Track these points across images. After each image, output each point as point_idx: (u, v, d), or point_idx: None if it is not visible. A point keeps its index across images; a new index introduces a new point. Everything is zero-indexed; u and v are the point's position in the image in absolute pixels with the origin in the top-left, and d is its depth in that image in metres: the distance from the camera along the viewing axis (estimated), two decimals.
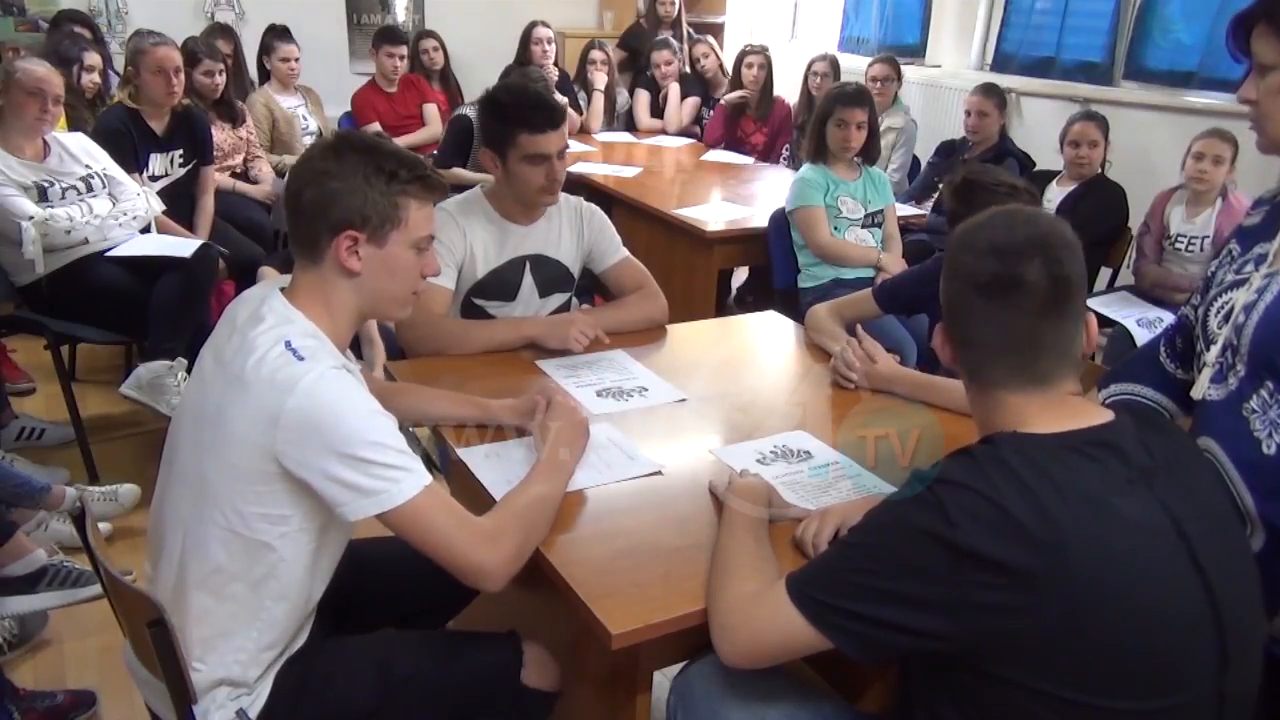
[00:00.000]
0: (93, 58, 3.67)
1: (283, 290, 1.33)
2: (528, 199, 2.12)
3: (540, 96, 2.11)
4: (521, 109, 2.05)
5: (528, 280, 2.20)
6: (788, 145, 4.80)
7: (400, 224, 1.31)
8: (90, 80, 3.67)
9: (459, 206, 2.15)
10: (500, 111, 2.08)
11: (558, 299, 2.28)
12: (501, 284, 2.18)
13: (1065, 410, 1.08)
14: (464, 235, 2.11)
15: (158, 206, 3.13)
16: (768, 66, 4.77)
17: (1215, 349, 1.32)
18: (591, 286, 2.40)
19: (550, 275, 2.23)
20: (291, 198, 1.31)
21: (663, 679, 1.39)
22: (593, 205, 2.30)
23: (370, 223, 1.29)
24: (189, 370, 2.77)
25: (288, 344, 1.22)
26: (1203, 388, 1.33)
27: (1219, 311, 1.34)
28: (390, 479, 1.20)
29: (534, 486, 1.37)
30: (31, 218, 2.69)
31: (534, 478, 1.39)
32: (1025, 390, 1.08)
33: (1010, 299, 1.06)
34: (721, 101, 4.94)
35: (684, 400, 1.86)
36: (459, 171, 4.03)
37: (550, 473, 1.41)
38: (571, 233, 2.25)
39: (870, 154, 3.28)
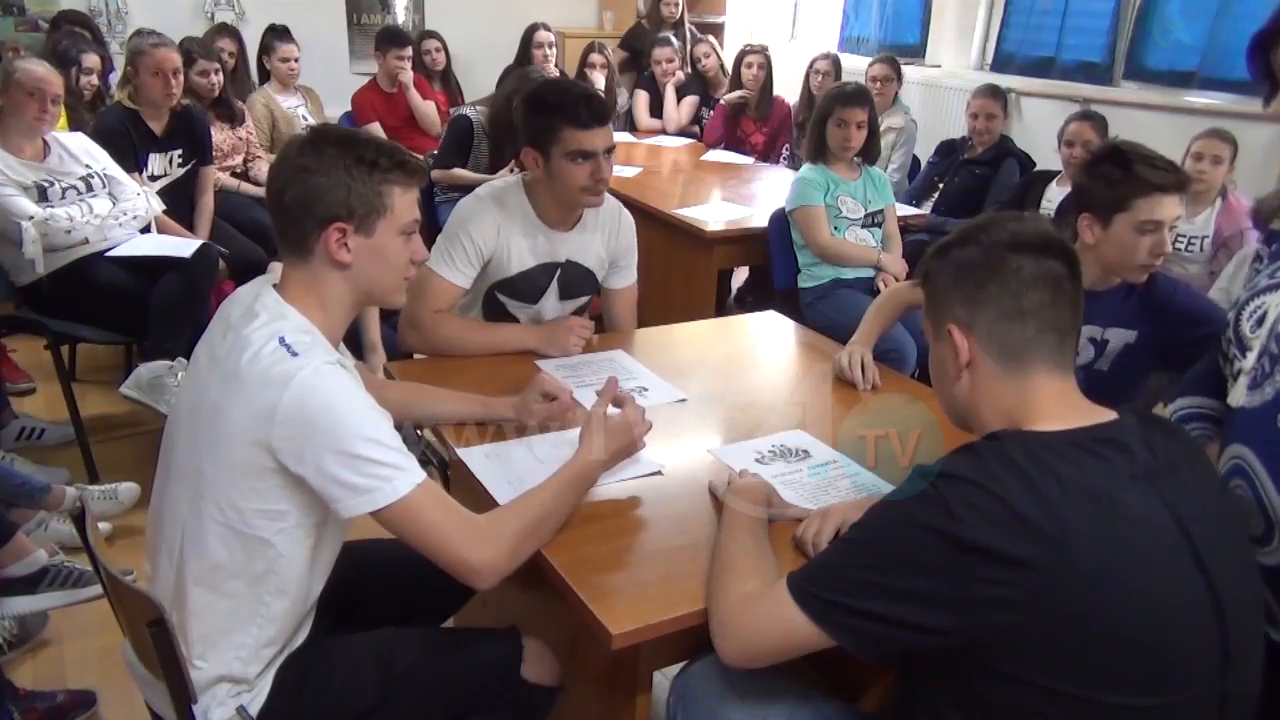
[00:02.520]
0: (90, 60, 3.66)
1: (275, 286, 1.33)
2: (570, 199, 2.04)
3: (587, 91, 2.03)
4: (568, 103, 1.96)
5: (554, 285, 2.17)
6: (787, 145, 4.80)
7: (386, 212, 1.31)
8: (88, 83, 3.66)
9: (497, 200, 2.07)
10: (545, 106, 1.99)
11: (579, 301, 2.25)
12: (530, 286, 2.14)
13: (1071, 407, 1.09)
14: (498, 231, 2.05)
15: (158, 206, 3.12)
16: (767, 66, 4.77)
17: (1252, 356, 1.30)
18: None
19: (575, 279, 2.19)
20: (274, 197, 1.30)
21: (663, 679, 1.39)
22: (630, 216, 2.24)
23: (356, 214, 1.29)
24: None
25: (281, 339, 1.22)
26: (1240, 395, 1.31)
27: (1251, 315, 1.32)
28: (383, 477, 1.20)
29: (546, 492, 1.35)
30: (31, 217, 2.69)
31: (550, 484, 1.36)
32: (1055, 372, 1.10)
33: (1051, 266, 1.09)
34: (721, 101, 4.94)
35: (684, 400, 1.86)
36: (459, 172, 4.03)
37: (568, 483, 1.38)
38: (604, 237, 2.19)
39: (870, 154, 3.28)
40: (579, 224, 2.14)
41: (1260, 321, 1.30)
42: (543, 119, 1.98)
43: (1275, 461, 1.22)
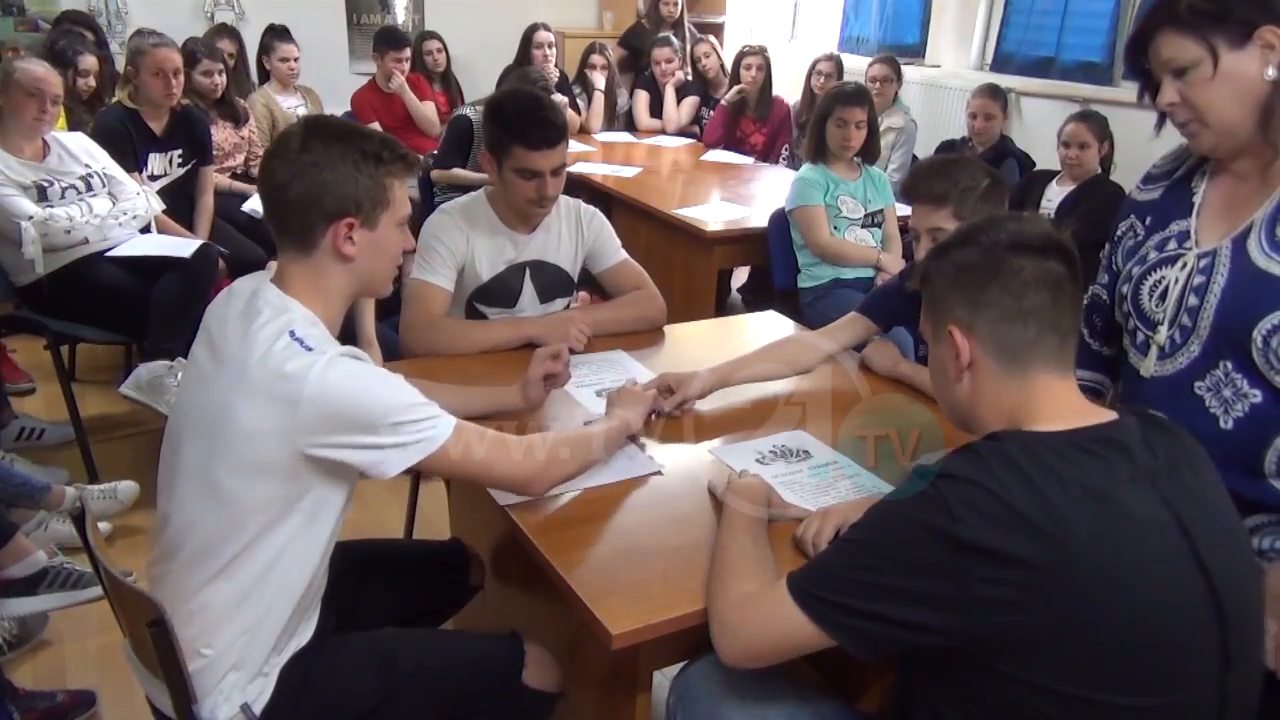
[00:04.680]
0: (87, 60, 3.66)
1: (272, 281, 1.33)
2: (518, 209, 2.12)
3: (543, 113, 2.05)
4: (521, 122, 2.02)
5: (528, 287, 2.21)
6: (787, 145, 4.80)
7: (389, 205, 1.34)
8: (85, 84, 3.66)
9: (462, 210, 2.16)
10: (501, 120, 2.06)
11: (558, 304, 2.28)
12: (504, 290, 2.18)
13: (1071, 408, 1.09)
14: (467, 240, 2.12)
15: (157, 206, 3.13)
16: (766, 67, 4.78)
17: (1163, 329, 1.39)
18: (587, 282, 2.41)
19: (550, 280, 2.24)
20: (277, 190, 1.30)
21: (662, 679, 1.39)
22: (593, 208, 2.30)
23: (364, 208, 1.31)
24: None
25: (293, 333, 1.23)
26: (1151, 366, 1.40)
27: (1153, 290, 1.41)
28: (424, 429, 1.26)
29: (569, 433, 1.47)
30: (31, 217, 2.69)
31: (585, 432, 1.49)
32: (1055, 373, 1.10)
33: (1051, 267, 1.09)
34: (722, 102, 4.94)
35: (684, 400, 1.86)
36: (459, 172, 4.03)
37: (603, 436, 1.51)
38: (570, 237, 2.25)
39: (870, 153, 3.28)
40: (542, 225, 2.20)
41: (1164, 296, 1.39)
42: (498, 131, 2.06)
43: (1196, 428, 1.29)
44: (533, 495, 1.41)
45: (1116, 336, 1.54)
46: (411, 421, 1.25)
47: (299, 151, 1.29)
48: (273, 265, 1.35)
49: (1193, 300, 1.35)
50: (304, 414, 1.19)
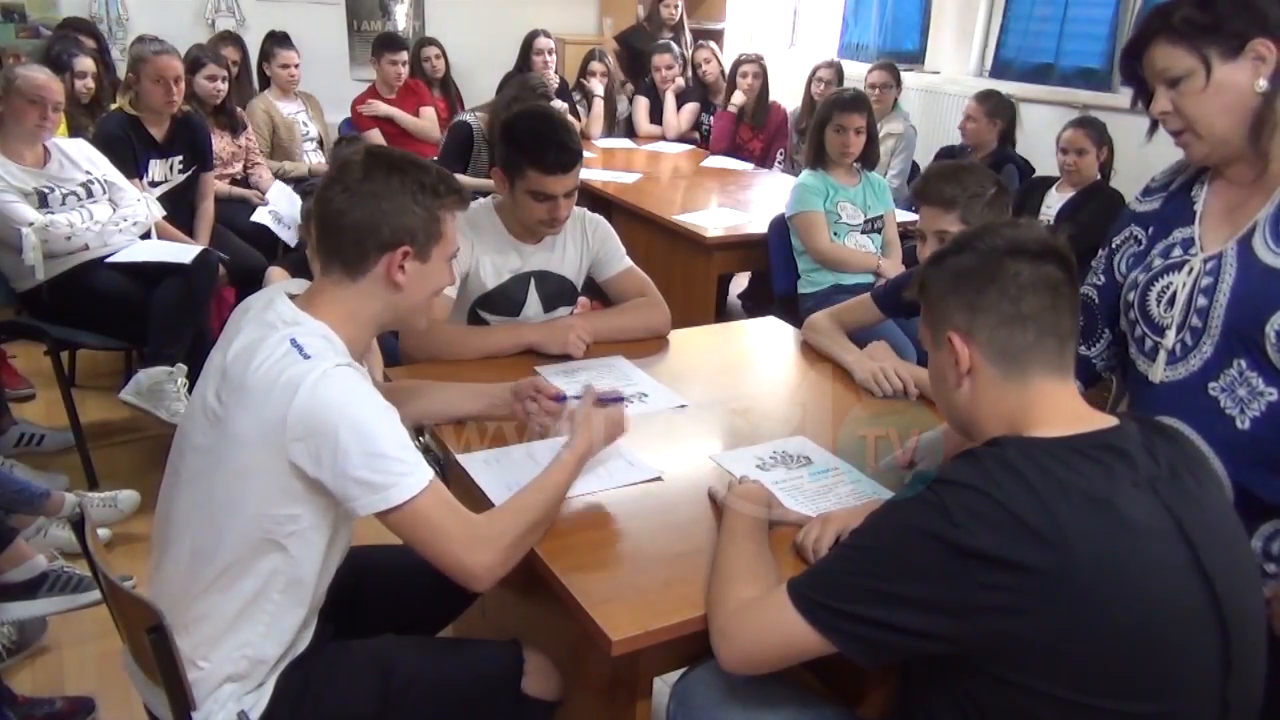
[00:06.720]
0: (83, 63, 3.66)
1: (297, 297, 1.34)
2: (528, 227, 2.13)
3: (558, 137, 2.03)
4: (537, 146, 2.00)
5: (533, 296, 2.21)
6: (783, 150, 4.81)
7: (441, 238, 1.36)
8: (84, 85, 3.67)
9: (468, 219, 2.13)
10: (516, 141, 2.05)
11: (562, 312, 2.28)
12: (508, 299, 2.18)
13: (1072, 413, 1.09)
14: (471, 248, 2.11)
15: (158, 212, 3.13)
16: (763, 75, 4.79)
17: (1171, 334, 1.40)
18: (590, 288, 2.40)
19: (554, 290, 2.23)
20: (334, 216, 1.31)
21: (663, 685, 1.39)
22: (597, 216, 2.30)
23: (419, 240, 1.33)
24: (189, 376, 2.77)
25: (293, 341, 1.23)
26: (1160, 371, 1.41)
27: (1160, 296, 1.42)
28: (398, 473, 1.22)
29: (541, 492, 1.36)
30: (32, 224, 2.69)
31: (544, 482, 1.38)
32: (1055, 377, 1.10)
33: (1049, 271, 1.09)
34: (729, 108, 4.94)
35: (684, 406, 1.86)
36: (459, 178, 4.03)
37: (561, 480, 1.40)
38: (575, 245, 2.25)
39: (869, 159, 3.29)
40: (547, 237, 2.19)
41: (1171, 302, 1.40)
42: (512, 152, 2.05)
43: (1213, 430, 1.33)
44: (475, 590, 1.31)
45: (1099, 339, 1.56)
46: (389, 458, 1.21)
47: (360, 180, 1.31)
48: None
49: (1201, 301, 1.36)
50: (291, 422, 1.19)
